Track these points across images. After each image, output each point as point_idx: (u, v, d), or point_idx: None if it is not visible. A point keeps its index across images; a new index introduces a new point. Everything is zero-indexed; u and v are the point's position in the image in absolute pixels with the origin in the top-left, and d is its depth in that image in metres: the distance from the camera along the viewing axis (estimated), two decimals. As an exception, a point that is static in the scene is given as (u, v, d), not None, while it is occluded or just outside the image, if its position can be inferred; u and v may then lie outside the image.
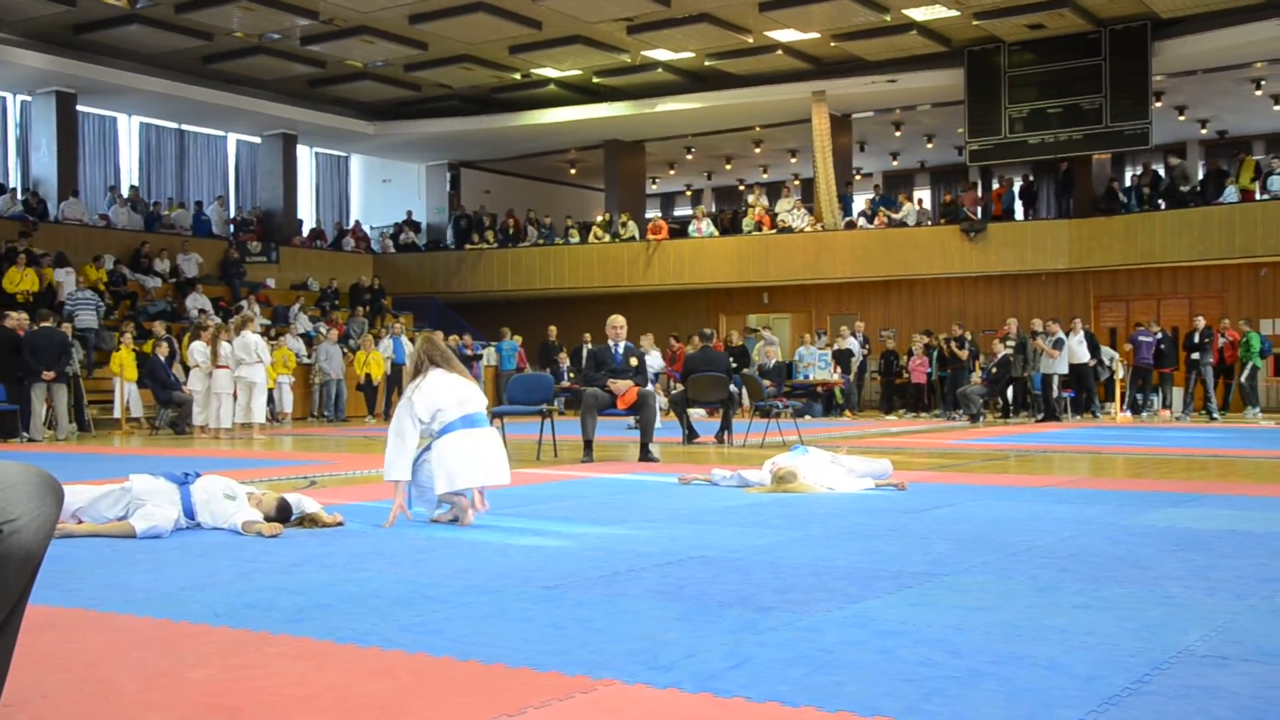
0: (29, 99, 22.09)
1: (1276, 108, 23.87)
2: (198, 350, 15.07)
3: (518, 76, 23.23)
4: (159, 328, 17.29)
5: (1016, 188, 23.18)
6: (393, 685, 2.73)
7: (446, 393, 5.81)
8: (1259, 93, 22.73)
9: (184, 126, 25.15)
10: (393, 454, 5.78)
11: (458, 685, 2.73)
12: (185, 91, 22.28)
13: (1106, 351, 19.04)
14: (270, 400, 16.85)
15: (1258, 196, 20.35)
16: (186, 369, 15.70)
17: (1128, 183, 23.14)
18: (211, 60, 21.79)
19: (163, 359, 15.94)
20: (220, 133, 25.91)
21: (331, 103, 24.66)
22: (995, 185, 23.74)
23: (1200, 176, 22.47)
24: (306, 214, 27.41)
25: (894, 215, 22.74)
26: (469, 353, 20.59)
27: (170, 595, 3.89)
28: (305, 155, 27.47)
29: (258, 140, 25.86)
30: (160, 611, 3.59)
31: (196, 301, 20.68)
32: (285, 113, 24.09)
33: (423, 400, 5.78)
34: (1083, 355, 17.83)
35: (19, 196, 21.32)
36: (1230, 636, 3.17)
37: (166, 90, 22.04)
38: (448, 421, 5.76)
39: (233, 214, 25.32)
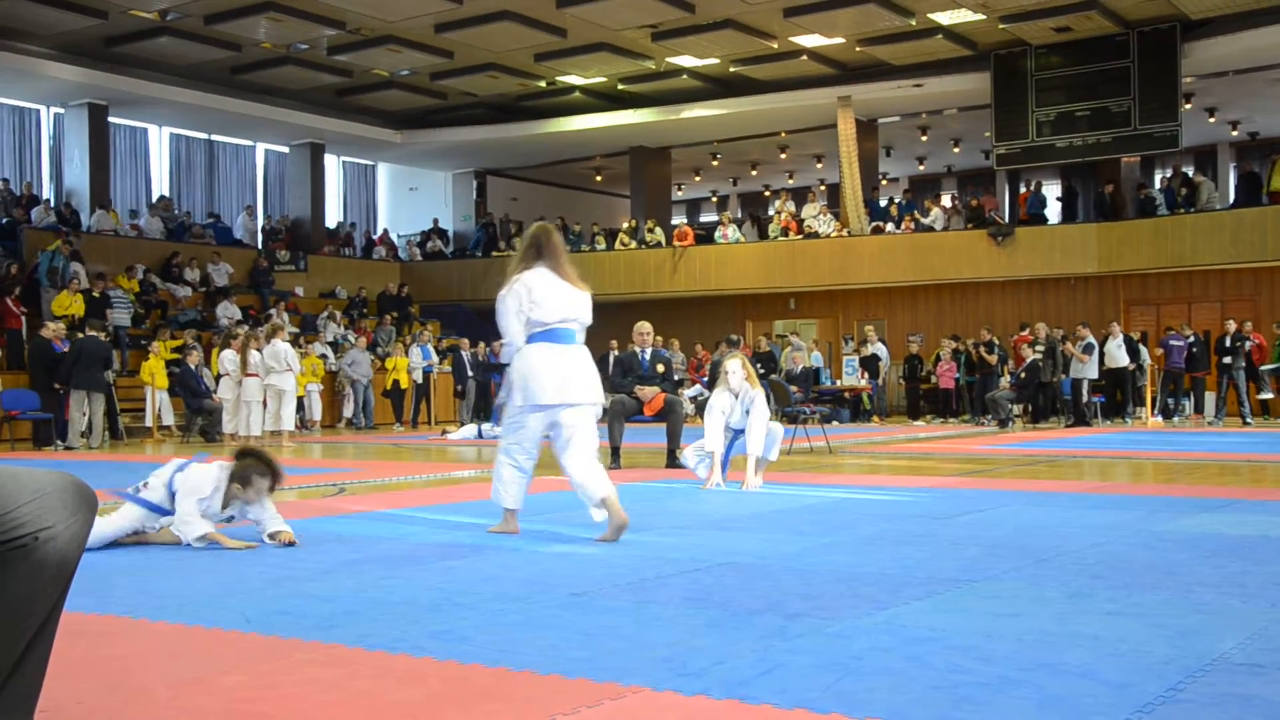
0: (62, 111, 22.35)
1: (1309, 109, 23.66)
2: (228, 358, 15.19)
3: (543, 84, 23.30)
4: (189, 336, 17.42)
5: (1047, 191, 23.04)
6: (422, 692, 2.74)
7: (546, 295, 5.32)
8: (1291, 93, 22.54)
9: (213, 137, 25.38)
10: (505, 348, 5.47)
11: (487, 692, 2.74)
12: (214, 102, 22.48)
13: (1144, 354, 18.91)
14: (300, 408, 16.95)
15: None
16: (217, 377, 15.82)
17: (1157, 185, 22.97)
18: (240, 71, 21.97)
19: (193, 367, 16.08)
20: (249, 142, 26.12)
21: (358, 112, 24.81)
22: (1023, 189, 23.63)
23: (1233, 182, 22.26)
24: (334, 223, 27.59)
25: (923, 220, 22.66)
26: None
27: (202, 602, 3.92)
28: (333, 164, 27.65)
29: (286, 150, 26.04)
30: (192, 618, 3.62)
31: (226, 310, 20.84)
32: (313, 122, 24.25)
33: (518, 292, 5.31)
34: (1122, 359, 17.74)
35: (52, 207, 21.55)
36: (1266, 644, 3.13)
37: (196, 101, 22.24)
38: (533, 333, 5.34)
39: (261, 223, 25.51)
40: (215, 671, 2.95)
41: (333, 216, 27.60)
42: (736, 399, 8.19)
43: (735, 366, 8.28)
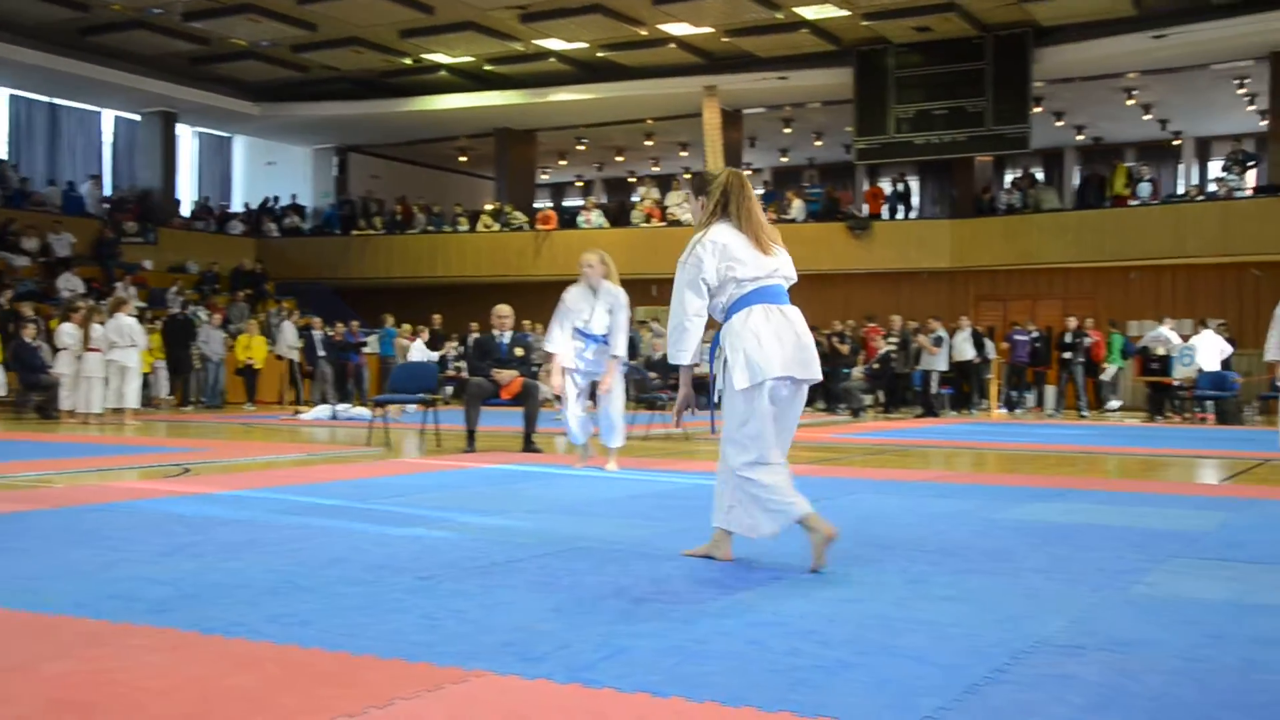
0: (-112, 67, 21.13)
1: (1146, 116, 24.74)
2: (67, 332, 14.58)
3: (408, 61, 22.93)
4: (27, 309, 16.65)
5: (900, 187, 23.66)
6: (259, 677, 2.68)
7: (744, 249, 4.27)
8: (1131, 102, 23.52)
9: (57, 101, 24.27)
10: (675, 331, 4.36)
11: (327, 677, 2.69)
12: (59, 64, 21.49)
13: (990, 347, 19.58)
14: (146, 385, 16.39)
15: (1131, 203, 21.12)
16: (55, 351, 15.17)
17: (1006, 184, 23.78)
18: (89, 33, 21.05)
19: (29, 341, 15.40)
20: (96, 108, 25.06)
21: (215, 81, 24.03)
22: (884, 184, 24.19)
23: (1076, 183, 23.24)
24: (186, 195, 26.69)
25: (784, 216, 23.01)
26: (354, 340, 20.29)
27: (28, 584, 3.76)
28: (186, 135, 26.76)
29: (136, 118, 25.08)
30: (17, 602, 3.47)
31: (68, 282, 19.98)
32: (165, 90, 23.40)
33: (707, 252, 4.26)
34: (968, 353, 18.34)
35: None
36: (1086, 627, 3.29)
37: (39, 62, 21.24)
38: (741, 294, 4.27)
39: (109, 193, 24.51)
40: (39, 659, 2.83)
41: (186, 189, 26.71)
42: (595, 295, 7.73)
43: (594, 260, 7.60)
